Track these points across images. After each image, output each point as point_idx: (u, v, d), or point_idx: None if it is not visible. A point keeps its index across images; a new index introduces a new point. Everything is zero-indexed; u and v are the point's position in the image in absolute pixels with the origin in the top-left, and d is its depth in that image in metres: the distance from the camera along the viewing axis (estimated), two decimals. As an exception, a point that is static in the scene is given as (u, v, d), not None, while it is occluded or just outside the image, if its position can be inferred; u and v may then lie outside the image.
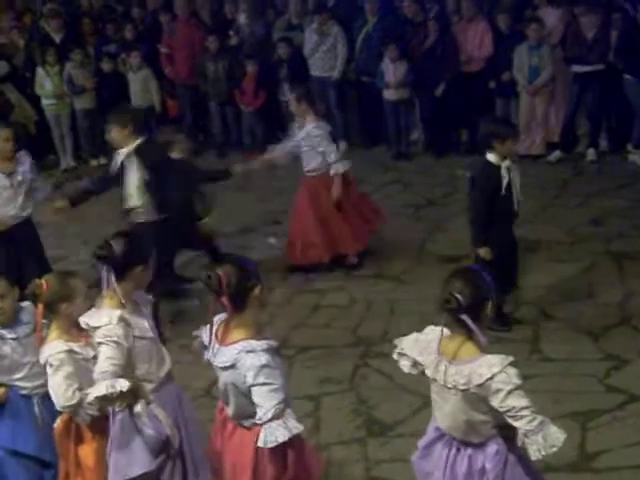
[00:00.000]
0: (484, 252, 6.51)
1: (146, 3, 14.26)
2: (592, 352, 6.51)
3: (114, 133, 6.92)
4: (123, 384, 4.00)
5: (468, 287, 3.77)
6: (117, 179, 6.98)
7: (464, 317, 3.74)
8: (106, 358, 4.06)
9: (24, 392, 4.81)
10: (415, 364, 4.03)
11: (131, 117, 7.05)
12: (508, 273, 6.61)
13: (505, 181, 6.41)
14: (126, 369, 4.15)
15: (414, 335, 4.09)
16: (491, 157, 6.44)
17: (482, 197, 6.52)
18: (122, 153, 6.89)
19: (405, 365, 4.08)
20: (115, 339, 4.07)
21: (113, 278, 4.26)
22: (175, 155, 7.48)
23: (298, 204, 8.29)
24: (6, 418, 4.84)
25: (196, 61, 12.50)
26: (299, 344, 6.95)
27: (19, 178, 7.08)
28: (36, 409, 4.81)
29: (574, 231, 8.77)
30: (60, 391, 4.28)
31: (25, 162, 7.17)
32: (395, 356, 4.13)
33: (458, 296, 3.73)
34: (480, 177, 6.62)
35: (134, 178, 6.88)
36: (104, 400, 4.01)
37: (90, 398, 4.03)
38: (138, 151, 6.83)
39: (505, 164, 6.42)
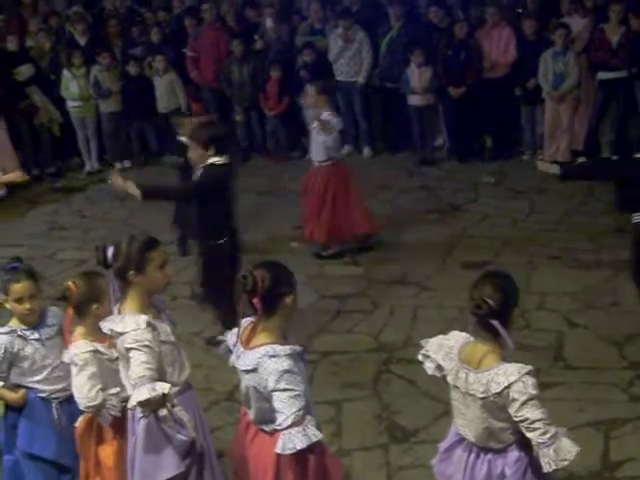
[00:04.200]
0: None
1: (172, 7, 14.32)
2: (616, 360, 6.47)
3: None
4: (164, 386, 3.98)
5: (498, 292, 3.76)
6: None
7: (495, 323, 3.72)
8: (141, 363, 4.02)
9: (43, 395, 4.78)
10: (439, 367, 4.02)
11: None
12: None
13: None
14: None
15: (439, 338, 4.09)
16: None
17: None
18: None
19: (429, 367, 4.08)
20: (146, 343, 4.05)
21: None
22: None
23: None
24: (24, 421, 4.81)
25: (221, 65, 12.55)
26: (321, 349, 6.94)
27: None
28: (54, 413, 4.79)
29: (598, 238, 8.74)
30: (84, 391, 4.30)
31: None
32: (420, 357, 4.13)
33: (489, 301, 3.71)
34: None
35: None
36: (146, 404, 4.00)
37: (132, 404, 4.01)
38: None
39: None
